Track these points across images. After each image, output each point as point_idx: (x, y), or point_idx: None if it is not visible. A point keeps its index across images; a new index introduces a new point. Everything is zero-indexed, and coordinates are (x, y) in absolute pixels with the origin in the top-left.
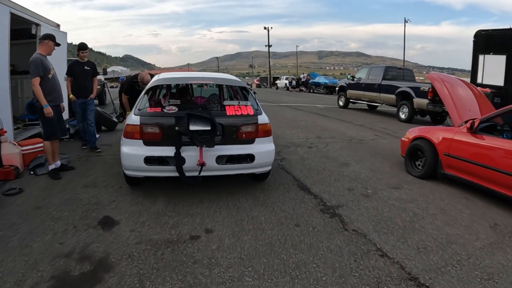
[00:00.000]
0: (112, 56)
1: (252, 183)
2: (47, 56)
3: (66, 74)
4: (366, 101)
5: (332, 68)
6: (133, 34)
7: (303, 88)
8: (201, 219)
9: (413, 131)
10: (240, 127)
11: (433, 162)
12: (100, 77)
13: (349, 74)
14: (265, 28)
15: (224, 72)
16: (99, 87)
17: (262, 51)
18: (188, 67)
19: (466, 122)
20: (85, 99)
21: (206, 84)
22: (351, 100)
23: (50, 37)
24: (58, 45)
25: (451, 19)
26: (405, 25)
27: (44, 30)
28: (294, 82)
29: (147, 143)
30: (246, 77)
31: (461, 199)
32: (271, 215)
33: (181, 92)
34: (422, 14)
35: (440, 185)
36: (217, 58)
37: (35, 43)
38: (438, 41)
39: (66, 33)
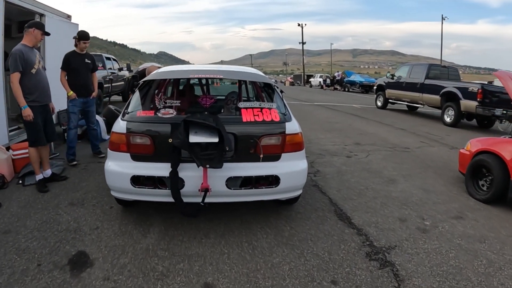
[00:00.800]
0: (147, 52)
1: (276, 209)
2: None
3: (61, 68)
4: (407, 102)
5: (366, 66)
6: (167, 31)
7: (338, 87)
8: (201, 265)
9: (476, 143)
10: (260, 138)
11: (502, 183)
12: (125, 72)
13: (388, 72)
14: (299, 25)
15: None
16: (122, 83)
17: (296, 49)
18: (221, 64)
19: None
20: (86, 98)
21: (219, 80)
22: (390, 100)
23: (36, 25)
24: (47, 34)
25: (487, 17)
26: (442, 22)
27: (49, 21)
28: (328, 80)
29: (136, 157)
30: (280, 75)
31: None
32: (298, 263)
33: (192, 90)
34: (457, 12)
35: (509, 213)
36: (250, 55)
37: None
38: (474, 40)
39: (77, 24)
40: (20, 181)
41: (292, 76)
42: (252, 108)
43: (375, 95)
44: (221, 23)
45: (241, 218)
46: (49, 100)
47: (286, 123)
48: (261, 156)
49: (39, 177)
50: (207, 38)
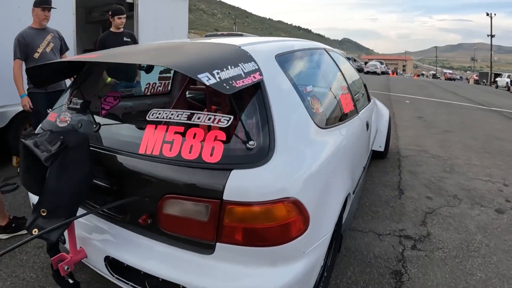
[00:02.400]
0: (331, 38)
1: None
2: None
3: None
4: None
5: None
6: (352, 18)
7: None
8: None
9: None
10: (162, 198)
11: None
12: None
13: None
14: (487, 14)
15: (444, 64)
16: None
17: (486, 44)
18: (405, 55)
19: None
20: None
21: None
22: None
23: (34, 3)
24: (51, 8)
25: None
26: None
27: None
28: None
29: None
30: (468, 71)
31: None
32: None
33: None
34: None
35: None
36: (435, 47)
37: (132, 16)
38: None
39: (186, 1)
40: None
41: (478, 74)
42: (168, 123)
43: None
44: (407, 12)
45: None
46: (58, 86)
47: (233, 172)
48: (174, 228)
49: None
50: (392, 26)
